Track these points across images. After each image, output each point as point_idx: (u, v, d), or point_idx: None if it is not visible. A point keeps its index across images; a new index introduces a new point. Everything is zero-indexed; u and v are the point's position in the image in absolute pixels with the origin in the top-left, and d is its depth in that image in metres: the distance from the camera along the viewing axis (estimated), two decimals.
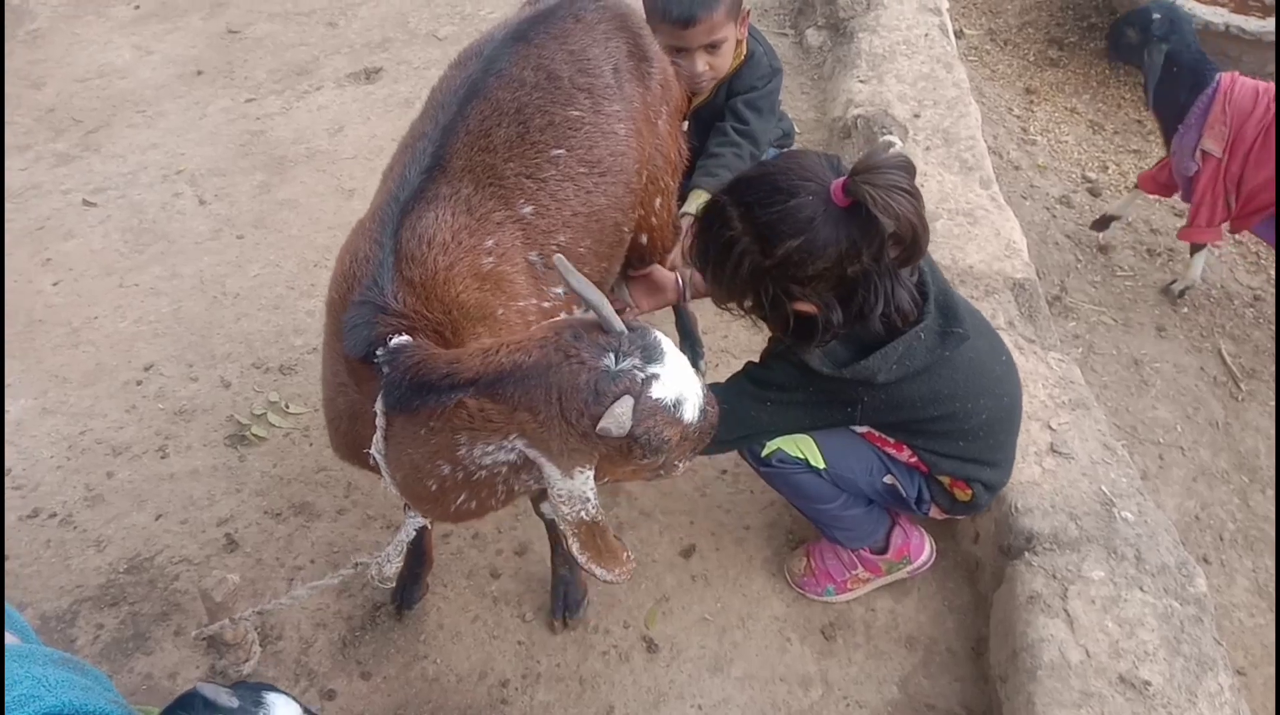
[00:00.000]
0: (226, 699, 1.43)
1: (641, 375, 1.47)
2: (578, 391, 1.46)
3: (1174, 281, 4.04)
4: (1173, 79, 3.68)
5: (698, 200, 2.67)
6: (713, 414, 1.62)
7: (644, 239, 2.41)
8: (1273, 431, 3.49)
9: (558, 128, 2.02)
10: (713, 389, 2.15)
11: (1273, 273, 4.21)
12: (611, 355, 1.47)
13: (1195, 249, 3.98)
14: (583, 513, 1.58)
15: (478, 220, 1.87)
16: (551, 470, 1.54)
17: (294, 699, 1.54)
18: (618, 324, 1.49)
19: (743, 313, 2.01)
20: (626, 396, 1.45)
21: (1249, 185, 3.61)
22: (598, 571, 1.64)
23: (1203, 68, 3.64)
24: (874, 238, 1.75)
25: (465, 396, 1.52)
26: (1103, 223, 4.26)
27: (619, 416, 1.43)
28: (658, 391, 1.47)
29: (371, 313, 1.70)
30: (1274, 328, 3.92)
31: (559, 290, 2.03)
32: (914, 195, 1.75)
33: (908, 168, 1.77)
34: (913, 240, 1.77)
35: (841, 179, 1.74)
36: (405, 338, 1.66)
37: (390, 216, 1.80)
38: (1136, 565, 2.13)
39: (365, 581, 2.52)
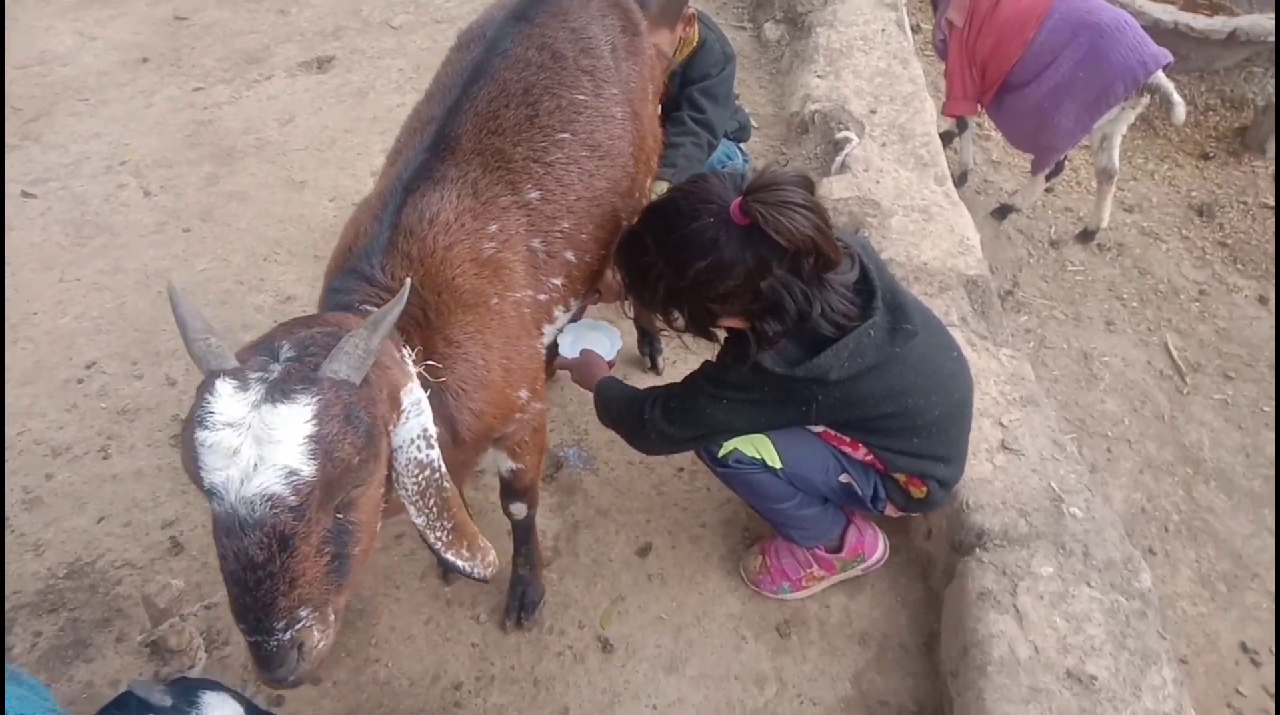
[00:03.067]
0: (159, 698, 1.40)
1: (242, 373, 1.32)
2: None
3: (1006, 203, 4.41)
4: None
5: (660, 190, 2.66)
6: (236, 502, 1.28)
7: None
8: (1215, 425, 3.56)
9: (564, 111, 2.01)
10: (670, 388, 2.16)
11: (1218, 268, 4.30)
12: (293, 353, 1.36)
13: (961, 128, 4.44)
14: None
15: (483, 204, 1.85)
16: None
17: (235, 694, 1.51)
18: (334, 370, 1.34)
19: (677, 333, 2.04)
20: (237, 375, 1.32)
21: (980, 55, 3.99)
22: (458, 562, 1.59)
23: None
24: (781, 252, 1.77)
25: None
26: (1001, 211, 4.43)
27: (206, 349, 1.34)
28: (220, 392, 1.29)
29: (355, 281, 1.69)
30: (1219, 322, 4.00)
31: (557, 281, 2.01)
32: (811, 209, 1.77)
33: (803, 183, 1.79)
34: (818, 252, 1.79)
35: (738, 198, 1.77)
36: (374, 309, 1.63)
37: (395, 194, 1.79)
38: (1084, 561, 2.16)
39: None
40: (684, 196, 1.89)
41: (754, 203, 1.74)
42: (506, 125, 1.93)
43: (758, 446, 2.14)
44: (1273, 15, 5.04)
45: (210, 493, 1.29)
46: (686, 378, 2.14)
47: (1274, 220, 4.52)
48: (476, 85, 1.95)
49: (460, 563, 1.61)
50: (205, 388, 1.31)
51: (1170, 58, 3.62)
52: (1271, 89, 5.15)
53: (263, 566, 1.29)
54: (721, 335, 2.06)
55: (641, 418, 2.15)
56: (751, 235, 1.77)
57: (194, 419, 1.29)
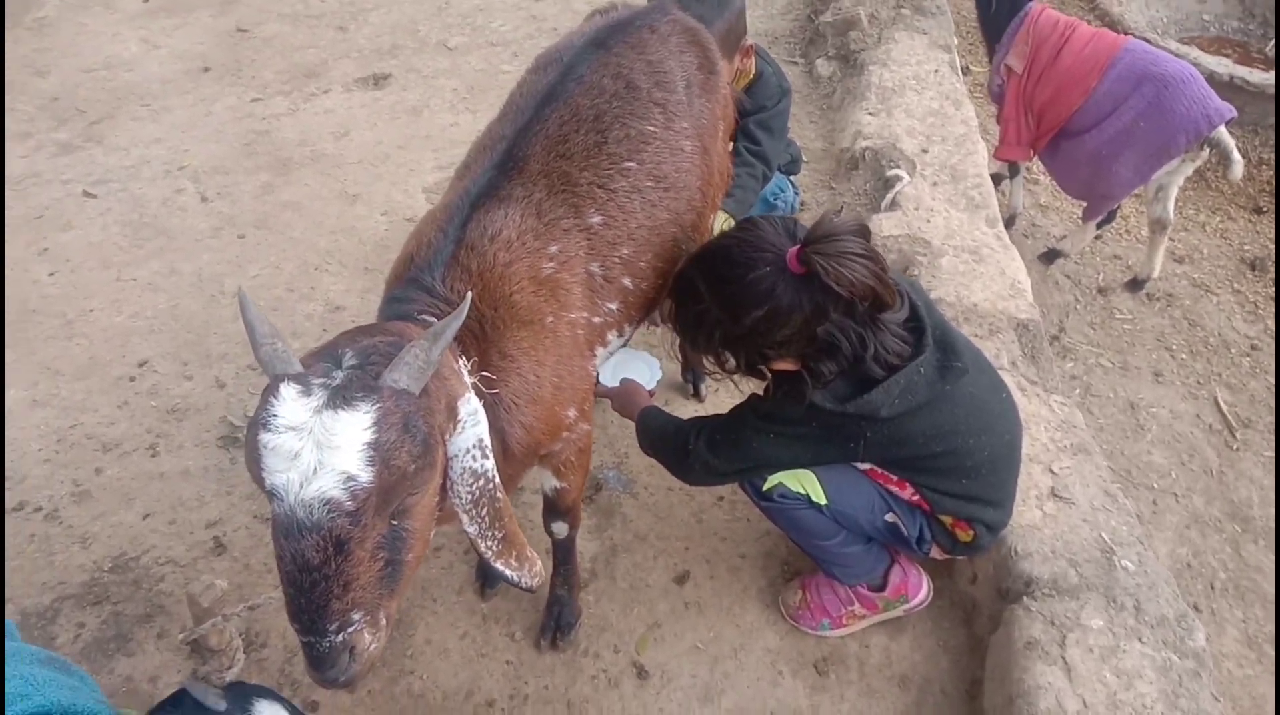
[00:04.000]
0: (214, 700, 1.40)
1: (306, 378, 1.33)
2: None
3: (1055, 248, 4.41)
4: (996, 6, 4.11)
5: (719, 222, 2.67)
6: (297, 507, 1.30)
7: None
8: (1266, 482, 3.49)
9: (633, 140, 2.04)
10: (715, 419, 2.15)
11: (1270, 323, 4.23)
12: (355, 361, 1.37)
13: (1013, 172, 4.42)
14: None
15: (546, 225, 1.88)
16: None
17: (285, 704, 1.51)
18: (395, 379, 1.35)
19: (727, 374, 2.03)
20: (301, 380, 1.33)
21: (1037, 103, 3.98)
22: (506, 571, 1.61)
23: None
24: (837, 299, 1.77)
25: None
26: (1049, 256, 4.39)
27: (273, 353, 1.37)
28: (284, 397, 1.31)
29: (415, 291, 1.72)
30: (1271, 378, 3.94)
31: (613, 306, 2.02)
32: (869, 258, 1.76)
33: (861, 232, 1.79)
34: (875, 298, 1.79)
35: (795, 248, 1.77)
36: (432, 319, 1.66)
37: (460, 209, 1.82)
38: (1136, 616, 2.12)
39: None
40: (737, 244, 1.87)
41: (813, 254, 1.73)
42: (575, 150, 1.96)
43: (803, 482, 2.12)
44: None
45: (271, 494, 1.31)
46: (733, 410, 2.13)
47: None
48: (549, 108, 1.98)
49: (509, 572, 1.63)
50: (270, 391, 1.33)
51: (1234, 112, 3.59)
52: None
53: (318, 569, 1.30)
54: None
55: (686, 449, 2.14)
56: (808, 283, 1.77)
57: (258, 421, 1.31)
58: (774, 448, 2.04)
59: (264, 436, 1.30)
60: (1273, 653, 2.96)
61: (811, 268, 1.74)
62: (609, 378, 2.42)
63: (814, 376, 1.87)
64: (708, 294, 1.90)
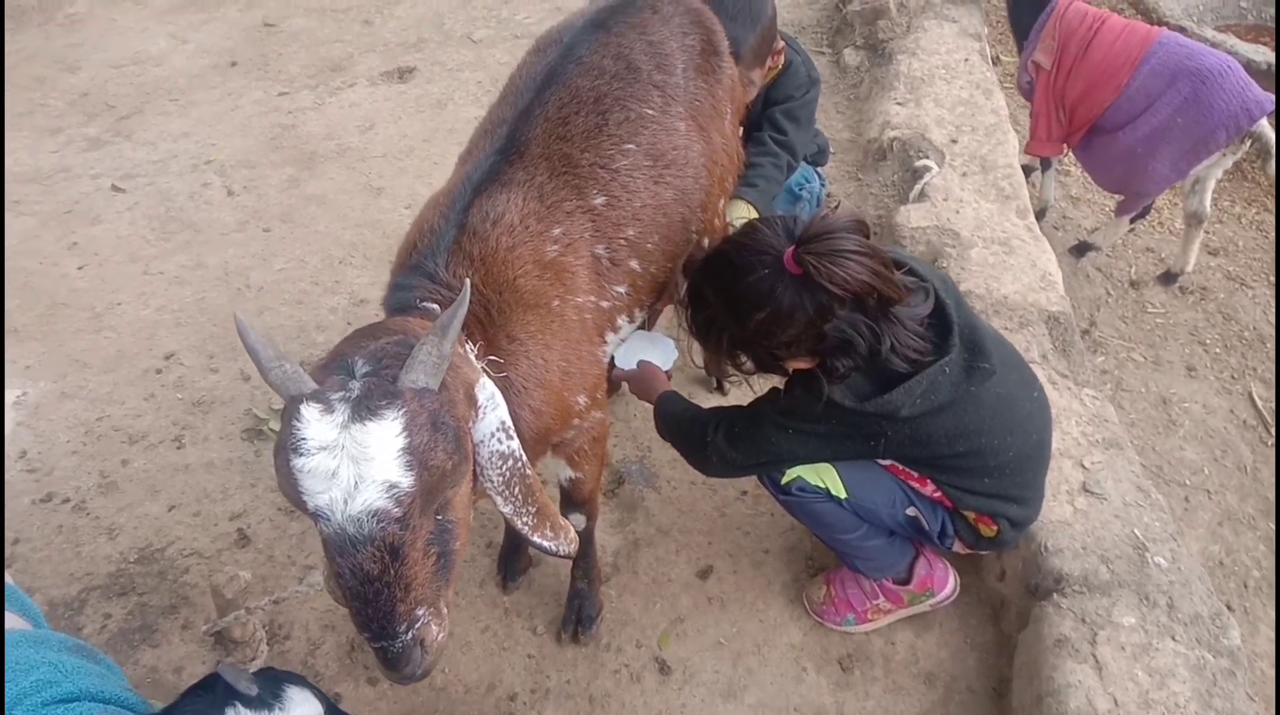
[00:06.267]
0: (246, 685, 1.40)
1: (323, 395, 1.32)
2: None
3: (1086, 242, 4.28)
4: (1024, 2, 4.00)
5: (738, 210, 2.65)
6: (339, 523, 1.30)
7: (705, 242, 2.38)
8: None
9: (633, 123, 2.03)
10: (735, 412, 2.13)
11: None
12: (368, 368, 1.37)
13: (1044, 164, 4.30)
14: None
15: (548, 208, 1.87)
16: None
17: (316, 690, 1.51)
18: (414, 380, 1.35)
19: (744, 375, 2.03)
20: (320, 397, 1.32)
21: (1069, 98, 3.85)
22: (544, 543, 1.62)
23: None
24: (840, 297, 1.73)
25: None
26: (1080, 249, 4.28)
27: (283, 375, 1.36)
28: (307, 418, 1.30)
29: (418, 277, 1.72)
30: None
31: (621, 289, 2.01)
32: (866, 254, 1.73)
33: (857, 227, 1.76)
34: (877, 294, 1.75)
35: (791, 248, 1.75)
36: (435, 306, 1.66)
37: (462, 194, 1.82)
38: (1169, 613, 2.07)
39: None
40: (735, 249, 1.86)
41: (806, 253, 1.71)
42: (575, 132, 1.95)
43: (822, 475, 2.09)
44: None
45: (316, 515, 1.31)
46: (752, 403, 2.11)
47: None
48: (549, 90, 1.98)
49: (546, 544, 1.65)
50: (291, 414, 1.32)
51: (1274, 102, 3.48)
52: None
53: (379, 578, 1.32)
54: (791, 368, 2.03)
55: (704, 440, 2.12)
56: (808, 283, 1.74)
57: (286, 446, 1.31)
58: (792, 443, 2.01)
59: (296, 461, 1.29)
60: None
61: (805, 267, 1.71)
62: (624, 361, 2.40)
63: (830, 373, 1.85)
64: (713, 299, 1.90)
